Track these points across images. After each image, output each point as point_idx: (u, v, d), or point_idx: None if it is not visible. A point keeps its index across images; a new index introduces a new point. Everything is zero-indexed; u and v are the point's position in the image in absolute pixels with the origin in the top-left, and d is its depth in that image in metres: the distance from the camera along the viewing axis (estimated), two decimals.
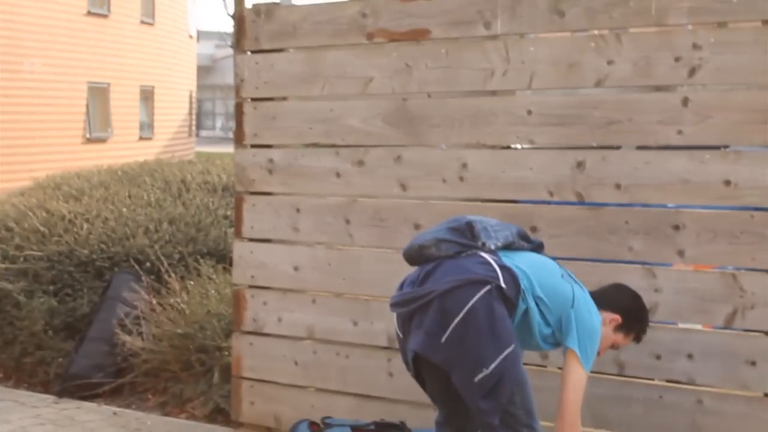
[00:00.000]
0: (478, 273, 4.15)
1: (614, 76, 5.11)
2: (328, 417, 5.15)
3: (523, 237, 4.51)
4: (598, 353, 4.38)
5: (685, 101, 4.94)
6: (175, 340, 6.88)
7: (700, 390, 4.97)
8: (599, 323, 4.35)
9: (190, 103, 36.70)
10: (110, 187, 8.99)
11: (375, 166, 5.78)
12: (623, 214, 5.12)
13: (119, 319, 7.23)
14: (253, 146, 6.25)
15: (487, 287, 4.12)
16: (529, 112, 5.33)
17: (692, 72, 4.91)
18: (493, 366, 4.04)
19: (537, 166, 5.32)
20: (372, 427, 5.01)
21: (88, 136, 27.50)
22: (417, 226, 5.59)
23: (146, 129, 31.63)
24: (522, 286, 4.23)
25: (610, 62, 5.10)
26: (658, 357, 5.01)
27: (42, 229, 8.03)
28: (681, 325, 5.09)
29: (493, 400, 4.06)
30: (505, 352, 4.06)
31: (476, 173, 5.46)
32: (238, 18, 6.26)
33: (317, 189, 6.01)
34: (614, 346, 4.56)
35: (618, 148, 5.30)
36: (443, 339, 4.08)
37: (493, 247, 4.32)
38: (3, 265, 7.73)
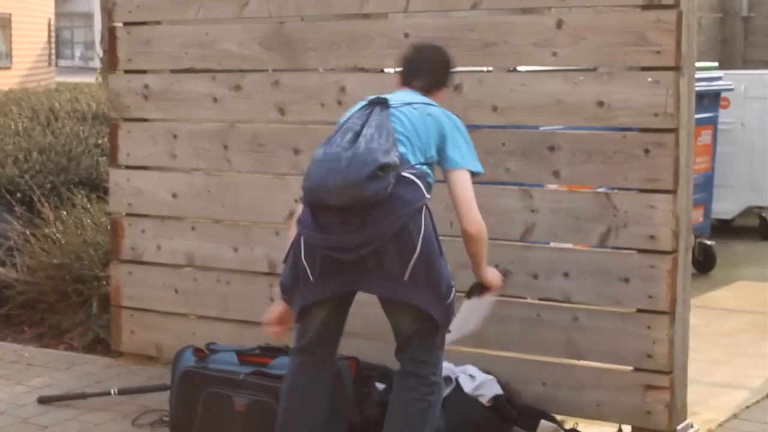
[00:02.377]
0: (413, 200, 4.08)
1: None
2: (213, 343, 5.15)
3: (383, 103, 4.29)
4: None
5: (559, 23, 5.00)
6: (50, 271, 6.78)
7: (575, 307, 5.09)
8: (456, 119, 4.40)
9: (49, 31, 35.78)
10: None
11: (252, 90, 5.75)
12: (500, 136, 5.19)
13: None
14: (127, 72, 6.15)
15: (424, 210, 4.11)
16: (406, 35, 5.33)
17: None
18: (452, 282, 4.17)
19: None
20: (257, 351, 5.02)
21: None
22: (296, 151, 5.59)
23: (4, 58, 30.78)
24: (427, 175, 4.22)
25: None
26: (535, 276, 5.12)
27: None
28: (557, 245, 5.21)
29: (451, 311, 4.21)
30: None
31: (355, 97, 5.43)
32: None
33: (194, 114, 5.96)
34: None
35: (489, 71, 5.36)
36: (406, 277, 4.05)
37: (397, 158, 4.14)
38: None
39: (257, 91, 5.73)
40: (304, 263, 4.12)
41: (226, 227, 5.92)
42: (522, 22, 5.17)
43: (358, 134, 4.07)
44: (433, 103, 4.37)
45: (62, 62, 51.73)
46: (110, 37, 6.22)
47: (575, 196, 5.11)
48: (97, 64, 30.49)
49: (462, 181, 4.31)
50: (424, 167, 4.21)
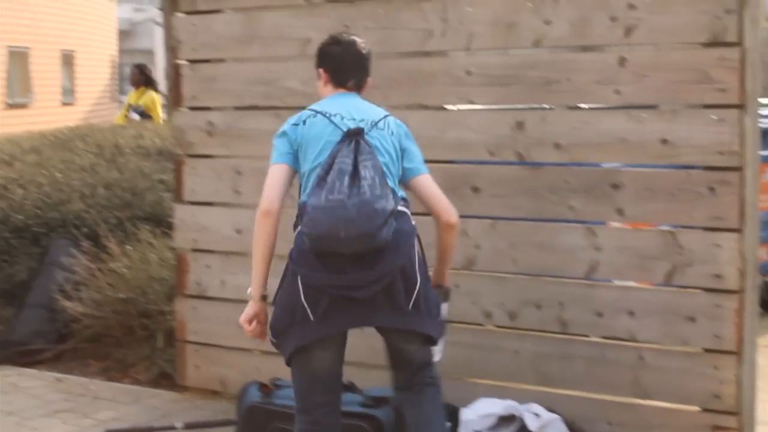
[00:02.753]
0: (411, 232, 4.22)
1: (551, 36, 5.17)
2: (278, 378, 5.18)
3: (360, 134, 4.27)
4: None
5: (622, 61, 5.01)
6: (116, 305, 6.84)
7: (641, 346, 5.07)
8: (403, 125, 4.47)
9: (112, 67, 36.26)
10: (42, 153, 8.88)
11: None
12: (563, 174, 5.20)
13: (59, 285, 7.17)
14: (192, 109, 6.23)
15: (417, 239, 4.27)
16: (468, 73, 5.37)
17: (628, 32, 4.98)
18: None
19: (477, 126, 5.37)
20: None
21: (8, 101, 27.08)
22: None
23: (68, 94, 31.19)
24: (408, 200, 4.37)
25: (547, 22, 5.16)
26: (600, 314, 5.10)
27: None
28: (621, 283, 5.19)
29: (444, 326, 4.46)
30: None
31: (416, 134, 5.42)
32: None
33: (258, 151, 5.99)
34: None
35: (551, 109, 5.37)
36: (410, 306, 4.17)
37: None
38: None
39: None
40: (304, 303, 4.15)
41: None
42: (584, 59, 5.18)
43: (353, 176, 4.08)
44: (385, 112, 4.45)
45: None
46: (175, 75, 6.29)
47: (640, 235, 5.09)
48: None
49: (431, 182, 4.44)
50: (402, 192, 4.36)
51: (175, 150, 6.35)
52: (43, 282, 7.31)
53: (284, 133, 4.41)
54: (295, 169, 4.34)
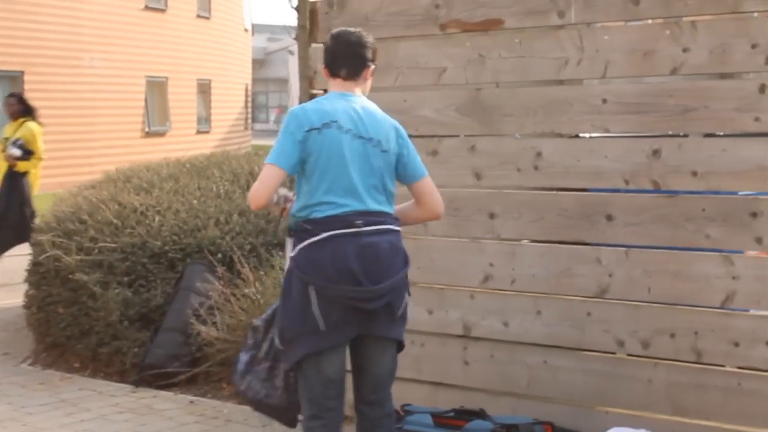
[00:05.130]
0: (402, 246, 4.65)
1: (690, 64, 5.11)
2: (407, 404, 5.19)
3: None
4: None
5: (763, 88, 4.92)
6: None
7: None
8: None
9: (246, 96, 36.91)
10: (179, 180, 9.06)
11: (449, 155, 5.81)
12: (700, 202, 5.11)
13: (193, 310, 7.30)
14: None
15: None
16: (604, 101, 5.34)
17: None
18: None
19: (612, 154, 5.33)
20: (452, 414, 5.05)
21: (147, 130, 27.77)
22: (492, 215, 5.62)
23: (203, 122, 31.87)
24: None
25: (685, 50, 5.10)
26: (737, 344, 4.99)
27: (115, 221, 8.11)
28: (759, 312, 5.08)
29: None
30: None
31: (551, 162, 5.48)
32: (311, 10, 6.32)
33: None
34: None
35: (686, 136, 5.29)
36: (398, 315, 4.57)
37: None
38: (78, 257, 7.84)
39: (454, 156, 5.80)
40: (316, 313, 4.35)
41: (421, 290, 5.96)
42: (722, 87, 5.11)
43: None
44: (391, 120, 4.87)
45: (257, 126, 53.21)
46: None
47: None
48: None
49: (431, 182, 4.92)
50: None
51: None
52: (179, 306, 7.45)
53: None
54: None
